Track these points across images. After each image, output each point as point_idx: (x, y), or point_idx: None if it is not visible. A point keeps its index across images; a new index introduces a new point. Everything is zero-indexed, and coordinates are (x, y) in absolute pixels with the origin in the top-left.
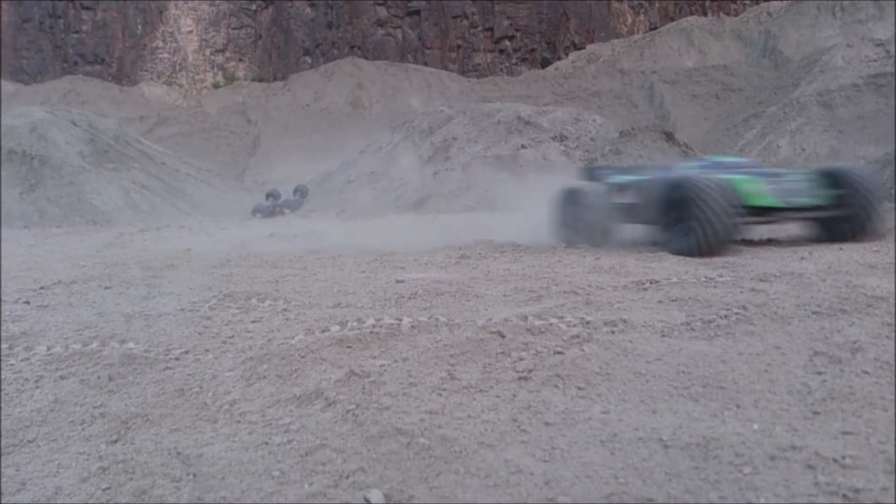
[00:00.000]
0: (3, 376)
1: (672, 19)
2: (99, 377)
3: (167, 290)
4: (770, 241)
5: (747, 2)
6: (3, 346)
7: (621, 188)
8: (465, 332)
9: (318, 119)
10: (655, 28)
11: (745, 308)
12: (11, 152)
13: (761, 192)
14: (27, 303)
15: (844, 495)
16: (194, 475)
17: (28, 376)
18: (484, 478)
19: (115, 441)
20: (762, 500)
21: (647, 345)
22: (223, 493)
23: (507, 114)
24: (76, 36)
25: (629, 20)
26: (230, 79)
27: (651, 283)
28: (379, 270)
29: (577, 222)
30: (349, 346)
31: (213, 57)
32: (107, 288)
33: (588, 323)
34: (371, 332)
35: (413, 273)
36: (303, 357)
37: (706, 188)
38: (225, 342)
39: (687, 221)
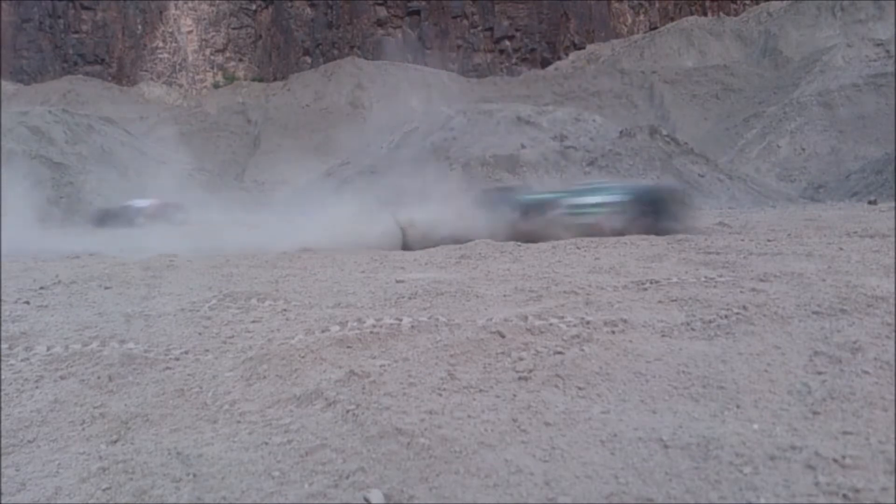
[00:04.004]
0: (3, 376)
1: (672, 19)
2: (99, 377)
3: (167, 290)
4: (770, 241)
5: (747, 2)
6: (3, 346)
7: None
8: (465, 332)
9: (318, 119)
10: (655, 28)
11: (745, 308)
12: (11, 152)
13: None
14: (27, 303)
15: (844, 495)
16: (194, 475)
17: (28, 376)
18: (484, 478)
19: (115, 441)
20: (762, 500)
21: (647, 345)
22: (223, 493)
23: (507, 114)
24: (76, 36)
25: (629, 20)
26: (230, 79)
27: (651, 283)
28: (379, 270)
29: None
30: (349, 346)
31: (213, 57)
32: (107, 288)
33: (588, 323)
34: (371, 332)
35: (413, 273)
36: (303, 357)
37: None
38: (225, 342)
39: None
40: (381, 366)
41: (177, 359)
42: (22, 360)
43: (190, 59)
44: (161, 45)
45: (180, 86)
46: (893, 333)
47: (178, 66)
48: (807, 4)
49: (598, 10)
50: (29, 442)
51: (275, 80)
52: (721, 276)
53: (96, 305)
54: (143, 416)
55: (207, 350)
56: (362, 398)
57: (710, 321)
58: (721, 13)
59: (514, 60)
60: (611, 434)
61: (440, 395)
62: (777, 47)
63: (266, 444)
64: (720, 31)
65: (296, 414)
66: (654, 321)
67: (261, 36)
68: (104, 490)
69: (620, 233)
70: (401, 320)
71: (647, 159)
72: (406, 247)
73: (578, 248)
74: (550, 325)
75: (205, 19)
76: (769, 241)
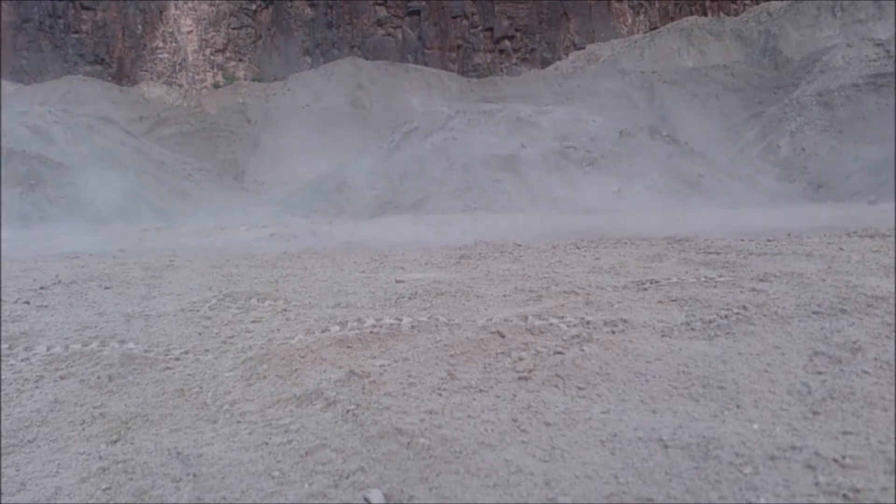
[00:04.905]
0: (3, 376)
1: (672, 19)
2: (99, 377)
3: (167, 290)
4: (770, 241)
5: (747, 2)
6: (3, 346)
7: None
8: (465, 332)
9: (318, 119)
10: (655, 28)
11: (745, 308)
12: (11, 152)
13: None
14: (27, 303)
15: (844, 495)
16: (194, 475)
17: (28, 376)
18: (484, 478)
19: (115, 441)
20: (762, 500)
21: (647, 345)
22: (223, 493)
23: (507, 114)
24: (76, 36)
25: (629, 20)
26: (230, 79)
27: (651, 283)
28: (379, 270)
29: None
30: (349, 346)
31: (213, 57)
32: (107, 288)
33: (588, 323)
34: (371, 332)
35: (413, 273)
36: (303, 357)
37: None
38: (225, 342)
39: None
40: (381, 366)
41: (177, 359)
42: (22, 360)
43: (190, 59)
44: (161, 45)
45: (180, 86)
46: (893, 333)
47: (178, 66)
48: (807, 4)
49: (598, 10)
50: (29, 442)
51: (275, 80)
52: (721, 276)
53: (96, 305)
54: (143, 416)
55: (207, 350)
56: (362, 398)
57: (710, 321)
58: (721, 13)
59: (514, 60)
60: (611, 434)
61: (440, 395)
62: (777, 47)
63: (266, 444)
64: (720, 31)
65: (296, 414)
66: (654, 321)
67: (261, 36)
68: (104, 490)
69: None
70: (401, 320)
71: (647, 159)
72: None
73: (578, 248)
74: (550, 325)
75: (205, 19)
76: (769, 241)
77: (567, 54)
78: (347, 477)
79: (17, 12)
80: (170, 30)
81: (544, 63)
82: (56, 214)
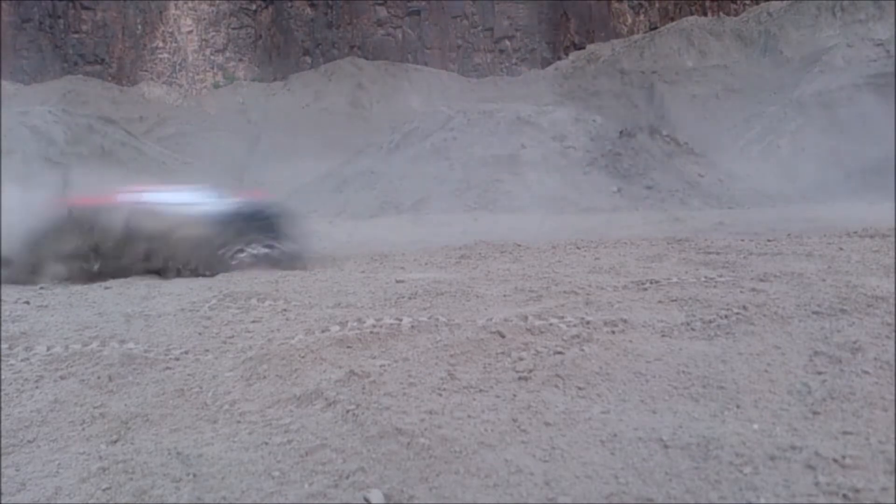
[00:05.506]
0: (3, 376)
1: (672, 19)
2: (99, 377)
3: (167, 290)
4: (770, 241)
5: (747, 2)
6: (3, 346)
7: None
8: (465, 332)
9: (318, 119)
10: (655, 28)
11: (745, 308)
12: (11, 152)
13: None
14: (27, 303)
15: (844, 495)
16: (194, 475)
17: (28, 376)
18: (484, 478)
19: (115, 441)
20: (762, 500)
21: (647, 345)
22: (223, 493)
23: (507, 114)
24: (76, 36)
25: (629, 20)
26: (230, 79)
27: (651, 283)
28: (379, 270)
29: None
30: (349, 346)
31: (213, 57)
32: (107, 288)
33: (588, 323)
34: (371, 332)
35: (413, 273)
36: (303, 357)
37: None
38: (225, 342)
39: None
40: (381, 366)
41: (177, 359)
42: (22, 360)
43: (190, 59)
44: (161, 45)
45: (180, 86)
46: (893, 333)
47: (178, 66)
48: (807, 4)
49: (598, 10)
50: (29, 442)
51: (275, 80)
52: (721, 276)
53: (96, 305)
54: (143, 416)
55: (207, 350)
56: (362, 398)
57: (710, 321)
58: (721, 13)
59: (514, 60)
60: (611, 434)
61: (440, 395)
62: (777, 47)
63: (266, 444)
64: (720, 31)
65: (296, 414)
66: (654, 321)
67: (261, 36)
68: (104, 490)
69: None
70: (401, 320)
71: (647, 159)
72: None
73: (578, 248)
74: (550, 325)
75: (205, 19)
76: (769, 241)
77: (567, 54)
78: (347, 477)
79: (17, 12)
80: (170, 30)
81: (544, 63)
82: None
